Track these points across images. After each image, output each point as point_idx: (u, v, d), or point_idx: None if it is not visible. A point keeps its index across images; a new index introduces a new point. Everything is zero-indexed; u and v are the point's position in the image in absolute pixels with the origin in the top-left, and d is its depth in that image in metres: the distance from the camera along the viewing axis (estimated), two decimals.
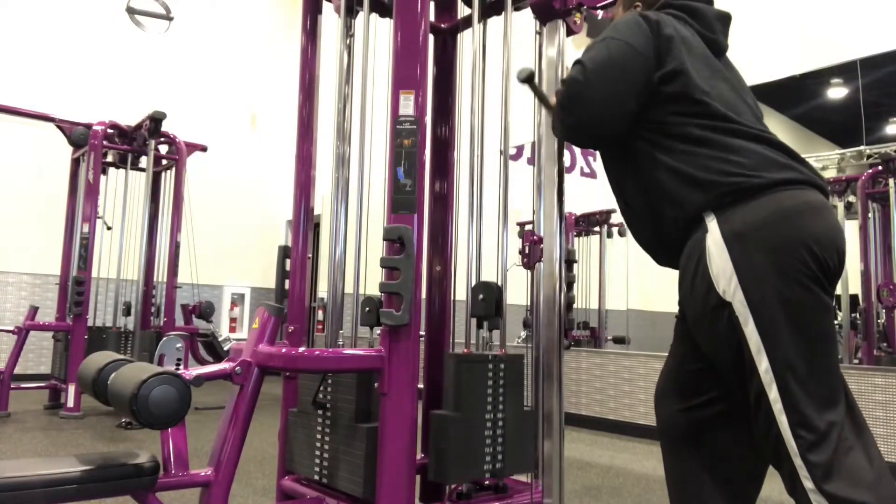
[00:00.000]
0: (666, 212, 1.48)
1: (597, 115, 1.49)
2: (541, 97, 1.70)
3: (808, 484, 1.27)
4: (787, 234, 1.34)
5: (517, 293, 2.19)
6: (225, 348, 5.41)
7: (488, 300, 2.01)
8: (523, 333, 5.54)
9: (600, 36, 1.54)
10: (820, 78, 4.57)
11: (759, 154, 1.42)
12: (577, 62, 1.50)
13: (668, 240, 1.52)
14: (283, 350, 1.75)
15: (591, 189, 5.90)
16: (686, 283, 1.46)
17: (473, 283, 2.10)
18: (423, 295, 2.24)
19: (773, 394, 1.31)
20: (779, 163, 1.42)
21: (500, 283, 2.06)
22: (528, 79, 1.65)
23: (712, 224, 1.40)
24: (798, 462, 1.28)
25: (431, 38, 2.16)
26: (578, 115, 1.50)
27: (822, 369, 1.32)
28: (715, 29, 1.63)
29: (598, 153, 1.70)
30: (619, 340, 5.57)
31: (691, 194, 1.43)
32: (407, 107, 1.81)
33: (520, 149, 5.31)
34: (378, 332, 1.82)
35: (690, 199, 1.43)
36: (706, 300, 1.39)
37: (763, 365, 1.32)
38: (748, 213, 1.37)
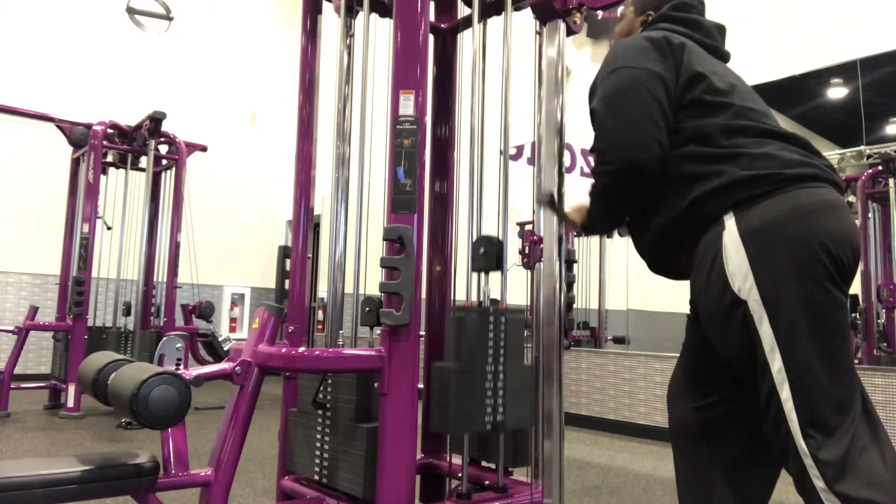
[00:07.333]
0: (682, 212, 1.46)
1: (631, 141, 1.44)
2: (562, 216, 1.73)
3: (819, 483, 1.25)
4: (804, 232, 1.33)
5: (517, 293, 2.19)
6: (225, 348, 5.40)
7: (489, 253, 2.00)
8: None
9: (607, 67, 1.53)
10: (820, 78, 4.57)
11: (777, 151, 1.41)
12: (591, 111, 1.51)
13: (680, 244, 1.50)
14: (283, 350, 1.75)
15: None
16: (700, 280, 1.44)
17: (473, 283, 2.10)
18: (423, 295, 2.24)
19: (785, 392, 1.29)
20: (796, 160, 1.41)
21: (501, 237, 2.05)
22: (549, 202, 1.71)
23: (730, 222, 1.38)
24: (808, 461, 1.26)
25: (431, 38, 2.16)
26: (615, 153, 1.46)
27: (835, 368, 1.30)
28: (715, 37, 1.64)
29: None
30: (619, 340, 5.56)
31: (710, 194, 1.41)
32: (407, 107, 1.81)
33: (520, 149, 5.31)
34: (378, 332, 1.82)
35: (710, 197, 1.41)
36: (721, 298, 1.38)
37: (776, 364, 1.30)
38: (766, 211, 1.36)
